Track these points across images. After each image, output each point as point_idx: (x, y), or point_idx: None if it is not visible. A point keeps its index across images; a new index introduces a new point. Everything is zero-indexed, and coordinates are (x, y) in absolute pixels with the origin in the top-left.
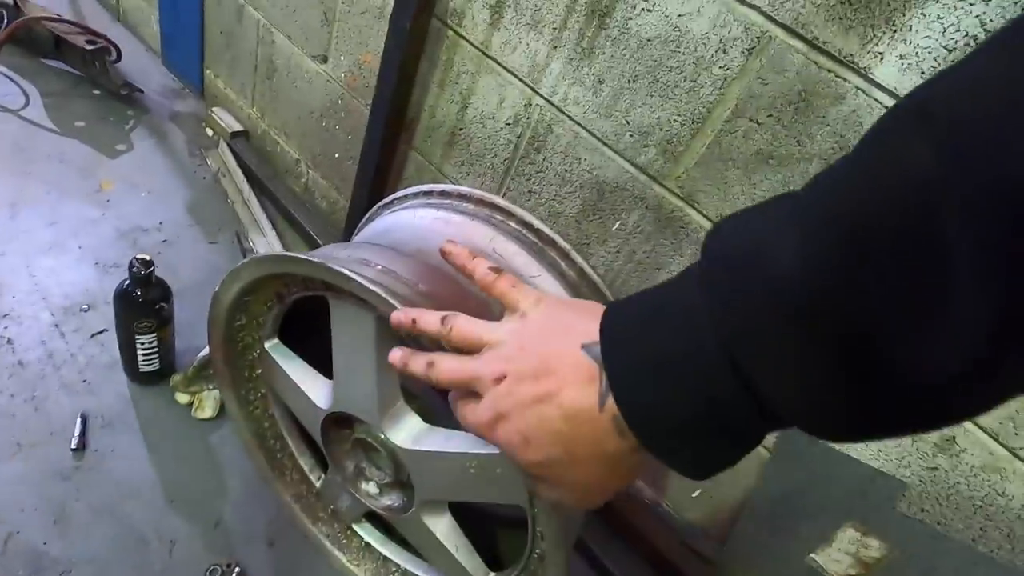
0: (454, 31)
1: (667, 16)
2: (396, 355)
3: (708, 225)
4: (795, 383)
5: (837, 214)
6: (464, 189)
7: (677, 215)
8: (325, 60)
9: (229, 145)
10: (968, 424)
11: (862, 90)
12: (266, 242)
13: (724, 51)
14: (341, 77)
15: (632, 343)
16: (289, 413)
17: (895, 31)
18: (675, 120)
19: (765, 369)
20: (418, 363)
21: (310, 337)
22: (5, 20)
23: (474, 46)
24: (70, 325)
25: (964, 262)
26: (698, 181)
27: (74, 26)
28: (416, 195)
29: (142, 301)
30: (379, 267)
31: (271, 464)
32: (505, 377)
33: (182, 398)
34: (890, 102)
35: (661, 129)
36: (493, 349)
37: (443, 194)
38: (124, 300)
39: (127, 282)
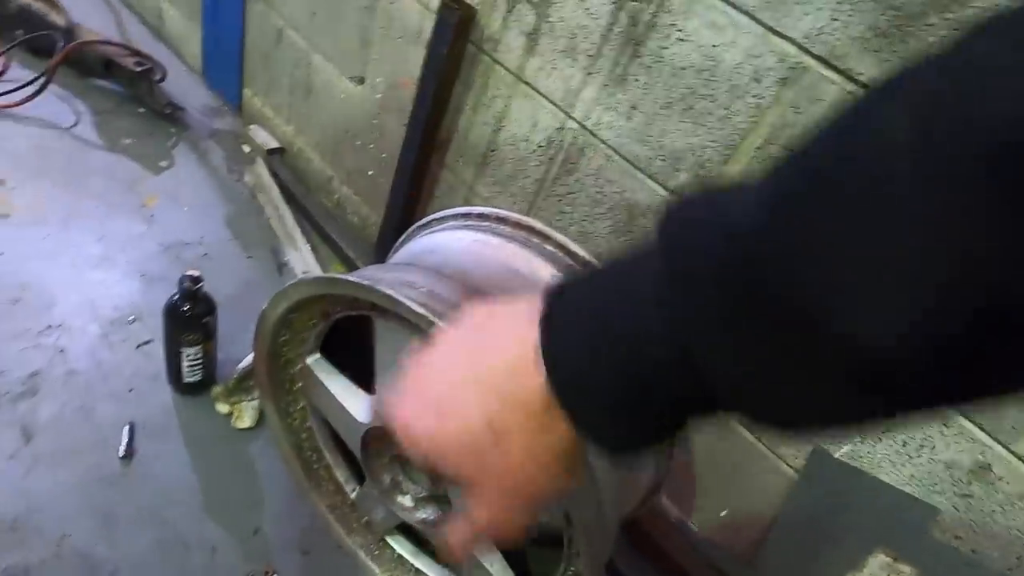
0: (489, 56)
1: (701, 46)
2: None
3: None
4: (736, 348)
5: (801, 167)
6: (502, 212)
7: None
8: (362, 81)
9: (265, 162)
10: (1004, 452)
11: None
12: (300, 256)
13: (758, 81)
14: (377, 98)
15: (573, 312)
16: (326, 425)
17: None
18: (708, 146)
19: (707, 333)
20: None
21: (348, 351)
22: (60, 43)
23: (509, 71)
24: (117, 336)
25: (917, 212)
26: None
27: (123, 48)
28: (454, 217)
29: (189, 315)
30: (423, 289)
31: (308, 475)
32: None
33: (222, 408)
34: None
35: (693, 154)
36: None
37: (481, 216)
38: (172, 314)
39: (176, 297)
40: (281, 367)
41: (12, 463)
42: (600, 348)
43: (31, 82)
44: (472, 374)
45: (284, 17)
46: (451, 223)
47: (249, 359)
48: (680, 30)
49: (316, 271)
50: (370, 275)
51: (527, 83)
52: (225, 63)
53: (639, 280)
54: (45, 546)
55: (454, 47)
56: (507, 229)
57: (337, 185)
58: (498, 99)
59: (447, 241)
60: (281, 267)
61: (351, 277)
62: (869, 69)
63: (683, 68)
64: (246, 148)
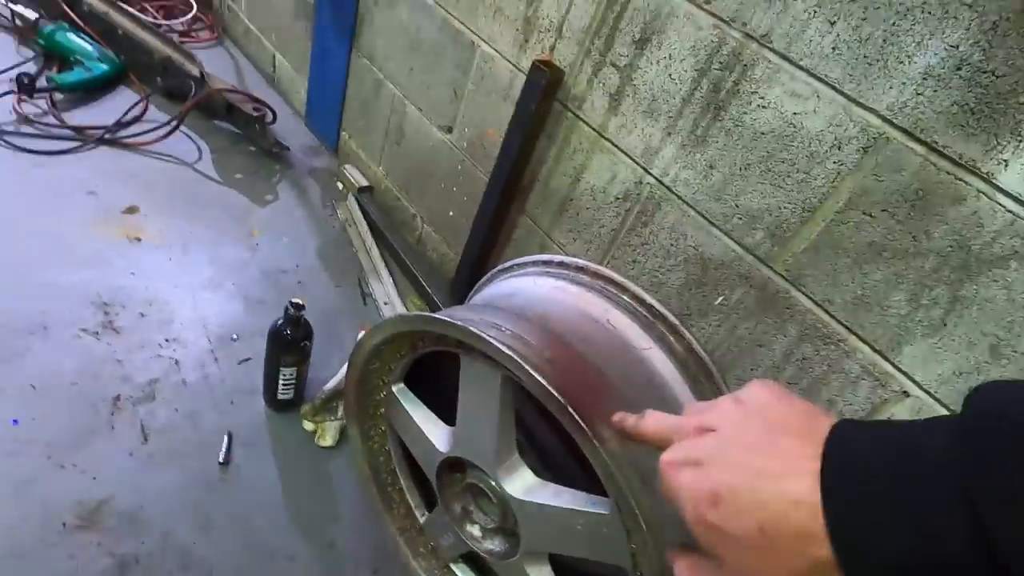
0: (574, 113)
1: (782, 113)
2: (616, 416)
3: (814, 308)
4: None
5: None
6: (580, 262)
7: (782, 296)
8: (450, 130)
9: (356, 198)
10: None
11: (984, 193)
12: (383, 288)
13: (839, 148)
14: (463, 146)
15: (861, 474)
16: (403, 451)
17: (1020, 141)
18: (785, 207)
19: (1007, 520)
20: (630, 418)
21: (429, 382)
22: (194, 91)
23: (591, 127)
24: (222, 352)
25: None
26: (806, 266)
27: (243, 95)
28: (535, 263)
29: (290, 339)
30: (509, 331)
31: (382, 496)
32: (712, 431)
33: (308, 426)
34: (1014, 207)
35: (770, 214)
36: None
37: (561, 264)
38: (276, 337)
39: (280, 321)
40: (368, 392)
41: (132, 460)
42: (891, 524)
43: (166, 123)
44: (754, 499)
45: (384, 71)
46: (532, 269)
47: (334, 381)
48: (762, 97)
49: (396, 302)
50: (461, 316)
51: (608, 139)
52: (327, 109)
53: (933, 455)
54: (153, 539)
55: (541, 104)
56: (586, 278)
57: (419, 223)
58: (579, 153)
59: (528, 286)
60: (365, 296)
61: (444, 317)
62: (955, 143)
63: (763, 132)
64: (339, 185)
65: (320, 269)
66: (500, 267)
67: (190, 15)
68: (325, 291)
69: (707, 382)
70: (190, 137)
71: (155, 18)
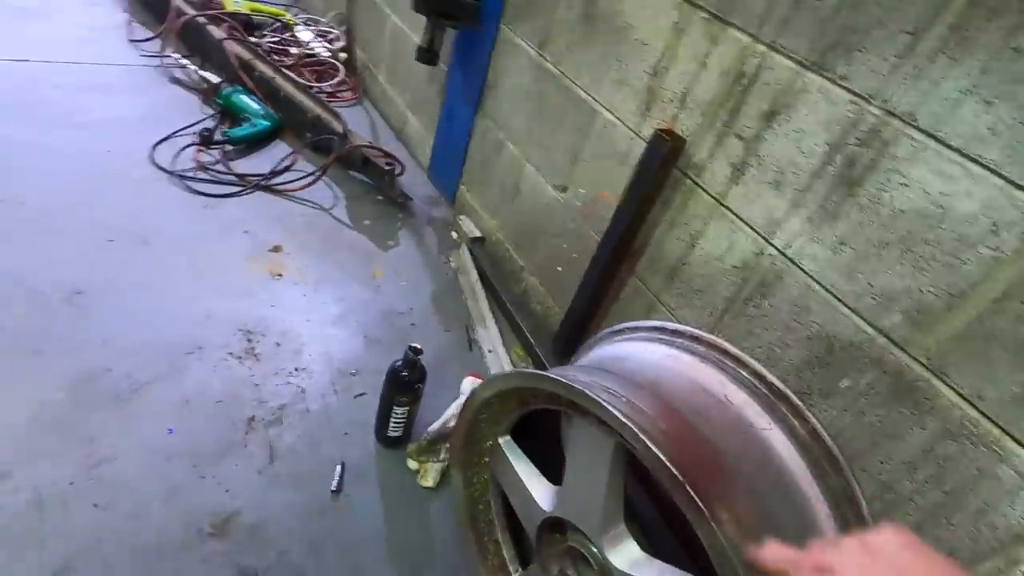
0: (693, 181)
1: (927, 193)
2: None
3: (960, 402)
4: None
5: None
6: (695, 331)
7: (921, 385)
8: (564, 190)
9: (468, 248)
10: None
11: None
12: (488, 336)
13: (995, 233)
14: (576, 205)
15: None
16: (503, 502)
17: None
18: (928, 291)
19: None
20: (749, 546)
21: (534, 439)
22: (337, 146)
23: (711, 195)
24: (342, 385)
25: None
26: (951, 355)
27: (378, 151)
28: (648, 329)
29: (407, 380)
30: (624, 398)
31: (478, 546)
32: (831, 571)
33: (412, 464)
34: None
35: (910, 297)
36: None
37: (675, 333)
38: (394, 377)
39: (399, 363)
40: (475, 441)
41: (259, 477)
42: None
43: (311, 174)
44: None
45: (506, 132)
46: (643, 334)
47: (439, 423)
48: (904, 176)
49: (501, 351)
50: (579, 379)
51: (728, 208)
52: (448, 164)
53: None
54: (271, 556)
55: (661, 171)
56: (700, 348)
57: (526, 275)
58: (696, 219)
59: (640, 352)
60: (471, 343)
61: (561, 377)
62: None
63: (903, 211)
64: (454, 235)
65: (432, 313)
66: (610, 329)
67: (337, 79)
68: (435, 335)
69: (832, 470)
70: (329, 185)
71: (309, 81)
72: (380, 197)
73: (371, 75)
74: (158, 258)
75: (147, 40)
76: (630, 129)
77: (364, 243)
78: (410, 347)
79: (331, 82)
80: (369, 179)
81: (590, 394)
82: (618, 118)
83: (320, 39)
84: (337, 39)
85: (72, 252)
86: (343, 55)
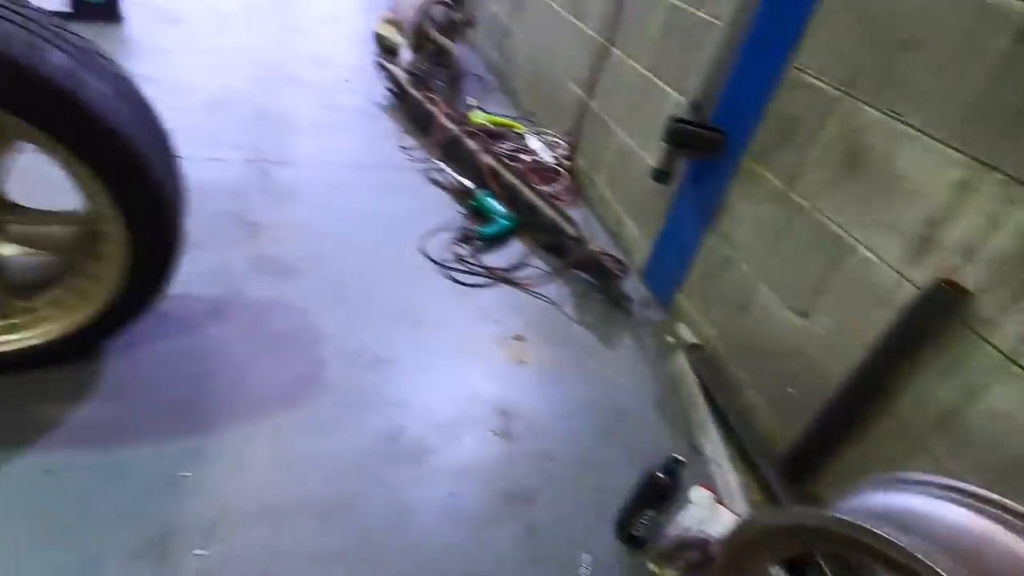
0: (977, 334)
1: None
2: None
3: None
4: None
5: None
6: (1008, 502)
7: None
8: (805, 315)
9: (686, 354)
10: None
11: None
12: (711, 447)
13: None
14: (818, 333)
15: None
16: None
17: None
18: None
19: None
20: None
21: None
22: (571, 250)
23: (1000, 351)
24: (584, 476)
25: None
26: None
27: (606, 255)
28: (942, 487)
29: (666, 488)
30: (949, 566)
31: None
32: None
33: (653, 568)
34: None
35: None
36: None
37: (983, 499)
38: (652, 482)
39: (660, 470)
40: (739, 565)
41: (517, 551)
42: None
43: (548, 271)
44: None
45: (738, 251)
46: (936, 491)
47: (676, 529)
48: None
49: (726, 465)
50: (904, 540)
51: (1021, 366)
52: (667, 271)
53: None
54: None
55: (938, 320)
56: (1019, 524)
57: (747, 391)
58: (977, 372)
59: (939, 511)
60: (694, 449)
61: (883, 533)
62: None
63: None
64: (669, 339)
65: (654, 416)
66: (893, 476)
67: (560, 184)
68: (655, 437)
69: None
70: (559, 283)
71: (535, 183)
72: (601, 296)
73: (589, 181)
74: (429, 336)
75: (413, 148)
76: (893, 269)
77: (591, 340)
78: (673, 457)
79: (555, 186)
80: (593, 279)
81: (932, 566)
82: (879, 257)
83: (545, 147)
84: (560, 147)
85: (369, 325)
86: (567, 162)
